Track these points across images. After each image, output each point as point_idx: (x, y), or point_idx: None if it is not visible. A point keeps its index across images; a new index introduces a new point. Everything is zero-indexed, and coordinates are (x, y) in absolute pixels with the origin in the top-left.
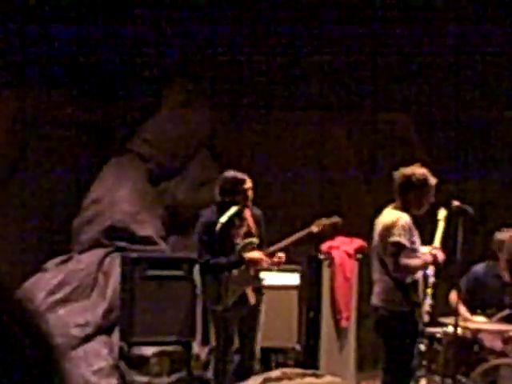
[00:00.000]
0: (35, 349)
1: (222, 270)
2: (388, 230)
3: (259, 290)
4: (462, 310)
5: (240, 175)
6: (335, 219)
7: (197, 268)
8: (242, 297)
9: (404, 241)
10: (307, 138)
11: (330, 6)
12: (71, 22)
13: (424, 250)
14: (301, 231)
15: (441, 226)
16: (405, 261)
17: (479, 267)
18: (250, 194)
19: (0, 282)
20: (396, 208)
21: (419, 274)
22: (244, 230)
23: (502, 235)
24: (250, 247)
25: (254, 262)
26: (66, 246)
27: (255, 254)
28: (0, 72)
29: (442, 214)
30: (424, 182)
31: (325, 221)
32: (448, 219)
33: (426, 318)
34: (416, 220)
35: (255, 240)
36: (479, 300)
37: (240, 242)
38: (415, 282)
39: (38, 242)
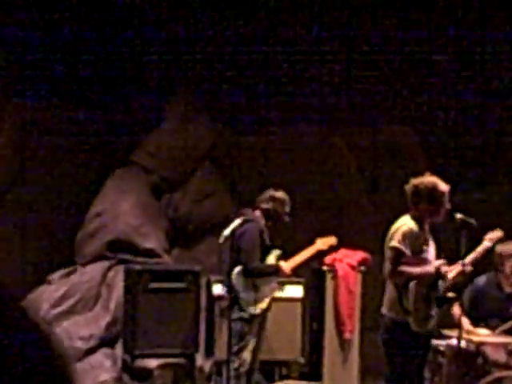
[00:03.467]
0: (43, 358)
1: (262, 275)
2: (391, 236)
3: None
4: (465, 322)
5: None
6: (332, 240)
7: (236, 272)
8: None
9: (402, 247)
10: (309, 150)
11: (329, 19)
12: (74, 33)
13: (437, 262)
14: (308, 251)
15: (484, 246)
16: (401, 267)
17: (481, 279)
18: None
19: (6, 293)
20: (410, 216)
21: (413, 283)
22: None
23: (504, 248)
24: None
25: (283, 272)
26: (69, 259)
27: (287, 265)
28: (2, 83)
29: (492, 235)
30: (432, 190)
31: (326, 241)
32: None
33: (428, 328)
34: (434, 229)
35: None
36: (482, 312)
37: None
38: (407, 290)
39: (42, 255)
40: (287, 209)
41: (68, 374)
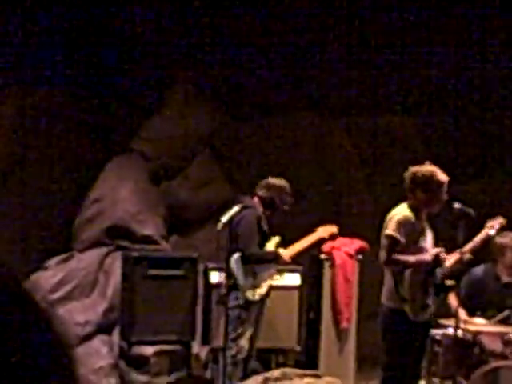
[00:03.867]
0: (45, 338)
1: (261, 262)
2: (386, 224)
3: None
4: (461, 312)
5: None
6: (333, 229)
7: (235, 259)
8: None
9: (397, 235)
10: (308, 139)
11: (329, 10)
12: (73, 21)
13: (435, 250)
14: (308, 239)
15: (484, 233)
16: (396, 255)
17: (478, 269)
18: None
19: (10, 275)
20: (407, 205)
21: (408, 271)
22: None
23: (502, 239)
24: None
25: (282, 259)
26: (67, 245)
27: (286, 253)
28: (2, 70)
29: (493, 222)
30: (429, 179)
31: (327, 229)
32: (470, 225)
33: (425, 317)
34: (432, 218)
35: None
36: (479, 302)
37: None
38: (402, 278)
39: (40, 240)
40: (286, 197)
41: (69, 354)
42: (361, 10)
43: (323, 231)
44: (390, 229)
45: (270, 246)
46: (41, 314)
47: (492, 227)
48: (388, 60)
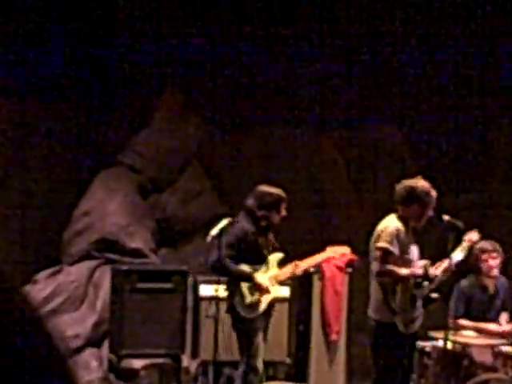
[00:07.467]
0: (45, 347)
1: (238, 278)
2: (378, 235)
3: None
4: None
5: (282, 194)
6: (345, 250)
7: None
8: (270, 306)
9: (390, 246)
10: (297, 151)
11: (318, 22)
12: (61, 32)
13: (421, 262)
14: (316, 258)
15: (464, 246)
16: (389, 267)
17: (464, 282)
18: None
19: (10, 285)
20: (395, 216)
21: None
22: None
23: (483, 244)
24: (280, 262)
25: (259, 288)
26: (56, 258)
27: (264, 283)
28: None
29: (471, 236)
30: (427, 194)
31: (337, 249)
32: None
33: (413, 329)
34: (416, 232)
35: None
36: (466, 313)
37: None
38: (394, 290)
39: (28, 254)
40: (272, 205)
41: (67, 363)
42: (349, 23)
43: (331, 251)
44: (382, 240)
45: (270, 264)
46: (41, 323)
47: (470, 241)
48: (374, 70)
